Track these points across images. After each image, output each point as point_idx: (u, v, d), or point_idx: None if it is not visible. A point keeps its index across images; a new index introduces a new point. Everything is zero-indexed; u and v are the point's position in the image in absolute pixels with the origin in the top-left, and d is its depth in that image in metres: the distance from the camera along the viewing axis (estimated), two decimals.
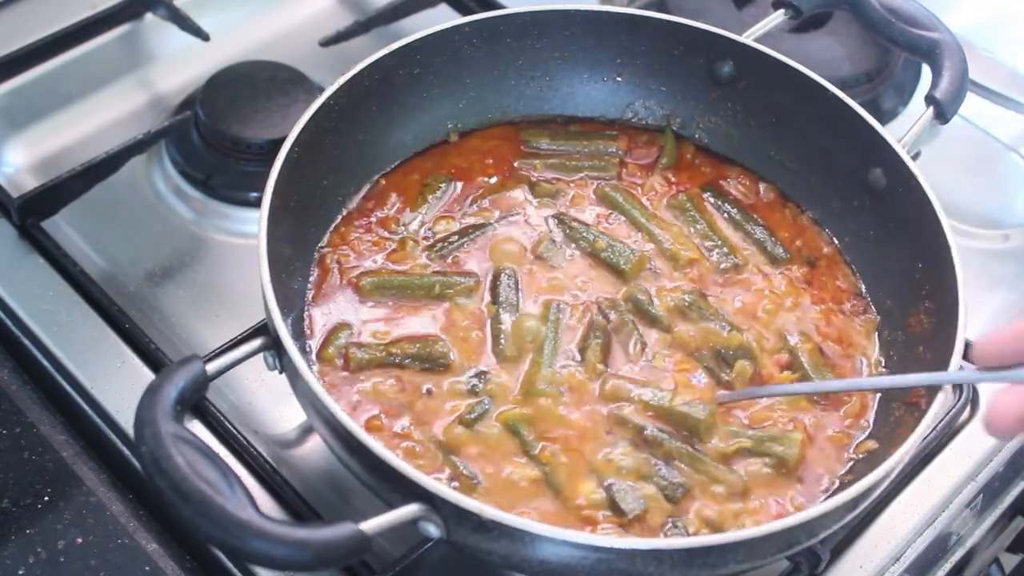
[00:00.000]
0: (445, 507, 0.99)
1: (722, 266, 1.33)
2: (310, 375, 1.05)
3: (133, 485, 1.22)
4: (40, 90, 1.56)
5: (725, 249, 1.34)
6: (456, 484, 1.12)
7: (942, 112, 1.33)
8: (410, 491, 0.99)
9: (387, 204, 1.34)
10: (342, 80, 1.27)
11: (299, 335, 1.20)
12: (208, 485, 0.91)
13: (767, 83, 1.38)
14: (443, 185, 1.37)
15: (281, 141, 1.20)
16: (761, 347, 1.26)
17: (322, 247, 1.29)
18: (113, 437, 1.26)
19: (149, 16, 1.63)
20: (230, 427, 1.25)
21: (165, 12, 1.62)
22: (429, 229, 1.33)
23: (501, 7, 1.51)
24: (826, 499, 1.11)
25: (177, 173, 1.49)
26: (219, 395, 1.28)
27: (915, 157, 1.30)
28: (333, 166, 1.30)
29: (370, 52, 1.31)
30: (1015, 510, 1.35)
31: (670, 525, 1.12)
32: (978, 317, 1.43)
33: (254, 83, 1.53)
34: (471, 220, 1.34)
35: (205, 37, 1.61)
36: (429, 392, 1.19)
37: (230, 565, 1.17)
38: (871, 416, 1.22)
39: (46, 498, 1.18)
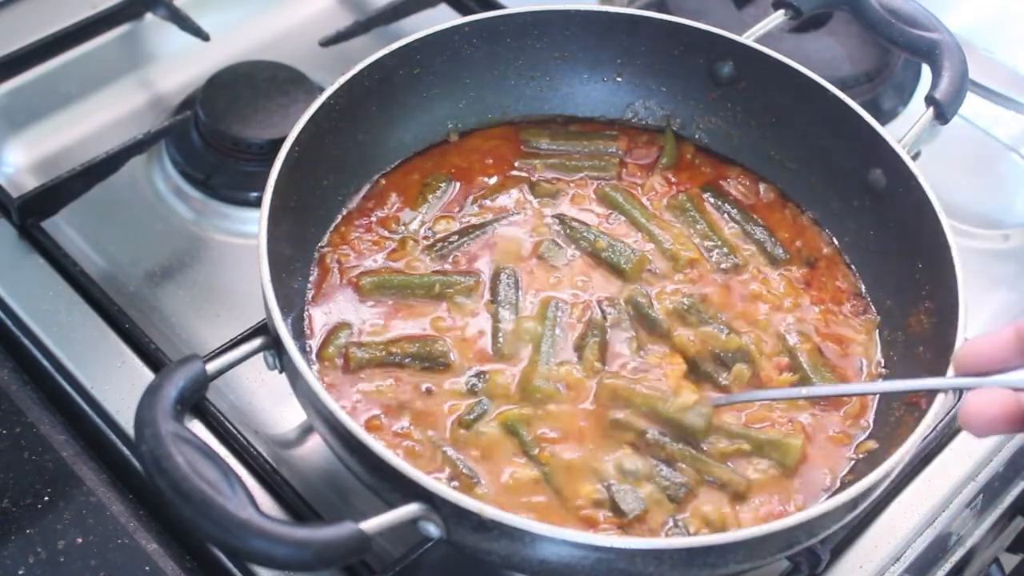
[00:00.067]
0: (445, 507, 0.99)
1: (722, 266, 1.33)
2: (310, 374, 1.05)
3: (133, 485, 1.22)
4: (40, 90, 1.56)
5: (725, 249, 1.34)
6: (456, 484, 1.12)
7: (942, 113, 1.33)
8: (410, 491, 0.99)
9: (387, 204, 1.34)
10: (342, 80, 1.27)
11: (299, 335, 1.20)
12: (208, 485, 0.91)
13: (767, 83, 1.38)
14: (443, 185, 1.37)
15: (281, 141, 1.20)
16: (760, 350, 1.26)
17: (322, 247, 1.29)
18: (113, 437, 1.26)
19: (149, 16, 1.63)
20: (230, 427, 1.25)
21: (165, 12, 1.62)
22: (429, 229, 1.33)
23: (501, 7, 1.51)
24: (826, 499, 1.11)
25: (177, 173, 1.49)
26: (219, 395, 1.28)
27: (915, 157, 1.30)
28: (333, 166, 1.30)
29: (370, 52, 1.31)
30: (1015, 510, 1.35)
31: (671, 524, 1.12)
32: (978, 317, 1.43)
33: (254, 83, 1.53)
34: (471, 220, 1.34)
35: (205, 37, 1.61)
36: (429, 391, 1.19)
37: (230, 565, 1.17)
38: (871, 416, 1.22)
39: (46, 498, 1.18)
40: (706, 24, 1.38)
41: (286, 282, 1.19)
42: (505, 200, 1.36)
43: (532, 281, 1.29)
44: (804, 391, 1.23)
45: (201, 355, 1.04)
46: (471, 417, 1.17)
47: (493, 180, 1.39)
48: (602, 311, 1.26)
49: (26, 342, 1.32)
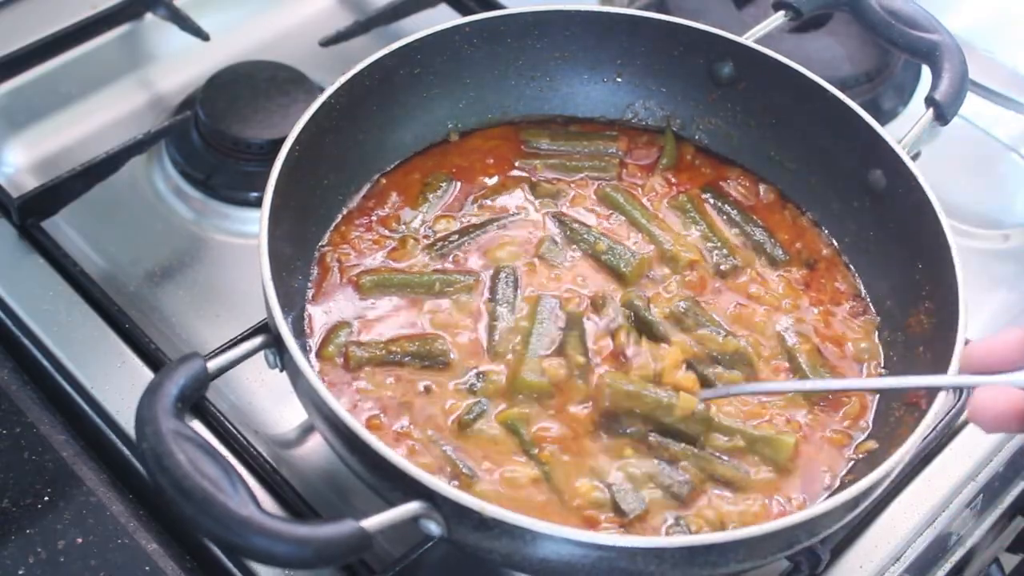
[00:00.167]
0: (446, 505, 0.98)
1: (722, 267, 1.33)
2: (311, 372, 1.05)
3: (133, 485, 1.22)
4: (40, 90, 1.56)
5: (725, 251, 1.34)
6: (456, 483, 1.12)
7: (942, 114, 1.33)
8: (411, 489, 0.99)
9: (388, 203, 1.34)
10: (342, 80, 1.27)
11: (299, 334, 1.20)
12: (210, 482, 0.91)
13: (767, 84, 1.38)
14: (444, 184, 1.37)
15: (281, 141, 1.20)
16: (758, 353, 1.26)
17: (322, 246, 1.29)
18: (113, 437, 1.25)
19: (149, 16, 1.63)
20: (230, 427, 1.25)
21: (165, 12, 1.62)
22: (430, 228, 1.33)
23: (501, 7, 1.51)
24: (826, 499, 1.11)
25: (177, 173, 1.49)
26: (219, 395, 1.28)
27: (915, 158, 1.30)
28: (333, 165, 1.30)
29: (370, 52, 1.31)
30: (1015, 510, 1.35)
31: (672, 523, 1.12)
32: (978, 317, 1.43)
33: (254, 83, 1.53)
34: (472, 219, 1.34)
35: (205, 37, 1.61)
36: (428, 390, 1.19)
37: (230, 565, 1.17)
38: (870, 417, 1.22)
39: (46, 498, 1.18)
40: (706, 24, 1.39)
41: (286, 281, 1.19)
42: (505, 200, 1.36)
43: (531, 281, 1.29)
44: (792, 385, 1.23)
45: (202, 354, 1.04)
46: (471, 416, 1.17)
47: (494, 180, 1.39)
48: (596, 307, 1.26)
49: (26, 342, 1.32)
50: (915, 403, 1.16)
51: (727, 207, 1.39)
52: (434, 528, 1.00)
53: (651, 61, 1.42)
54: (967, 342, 1.15)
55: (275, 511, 1.19)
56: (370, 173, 1.36)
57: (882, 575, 1.23)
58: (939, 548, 1.28)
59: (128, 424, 1.23)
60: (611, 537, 1.01)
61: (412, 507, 0.99)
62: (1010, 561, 1.46)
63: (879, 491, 1.10)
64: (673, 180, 1.41)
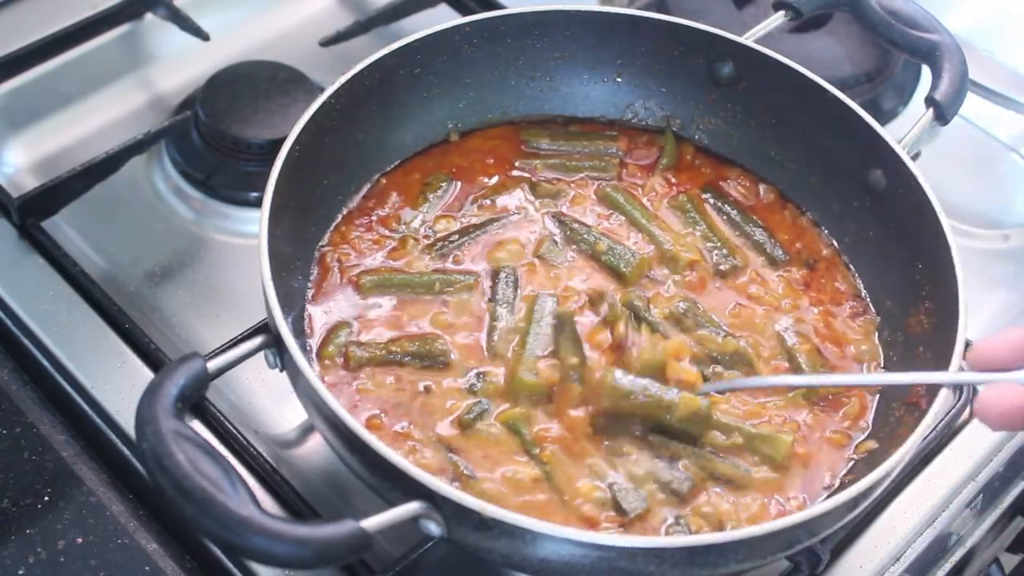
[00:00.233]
0: (446, 505, 0.98)
1: (721, 268, 1.33)
2: (311, 372, 1.05)
3: (133, 485, 1.22)
4: (40, 90, 1.56)
5: (725, 251, 1.34)
6: (456, 483, 1.12)
7: (942, 114, 1.33)
8: (411, 489, 0.99)
9: (388, 203, 1.34)
10: (342, 80, 1.27)
11: (299, 334, 1.20)
12: (209, 482, 0.91)
13: (767, 84, 1.38)
14: (444, 184, 1.37)
15: (281, 141, 1.20)
16: (758, 353, 1.26)
17: (322, 246, 1.29)
18: (113, 437, 1.26)
19: (149, 16, 1.63)
20: (230, 427, 1.25)
21: (165, 12, 1.62)
22: (430, 228, 1.33)
23: (501, 7, 1.51)
24: (826, 499, 1.11)
25: (177, 173, 1.49)
26: (219, 395, 1.28)
27: (915, 158, 1.30)
28: (333, 165, 1.30)
29: (370, 52, 1.31)
30: (1015, 510, 1.35)
31: (672, 522, 1.12)
32: (978, 317, 1.43)
33: (254, 83, 1.53)
34: (472, 219, 1.34)
35: (205, 37, 1.61)
36: (428, 390, 1.19)
37: (230, 565, 1.17)
38: (870, 417, 1.22)
39: (46, 498, 1.18)
40: (706, 24, 1.39)
41: (286, 281, 1.19)
42: (506, 200, 1.36)
43: (531, 281, 1.29)
44: (790, 379, 1.23)
45: (202, 354, 1.04)
46: (471, 416, 1.17)
47: (494, 180, 1.39)
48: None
49: (26, 342, 1.32)
50: (915, 403, 1.16)
51: (727, 207, 1.39)
52: (434, 528, 1.00)
53: (651, 61, 1.42)
54: (968, 342, 1.15)
55: (275, 511, 1.19)
56: (370, 173, 1.36)
57: (882, 575, 1.23)
58: (939, 548, 1.28)
59: (128, 424, 1.23)
60: (611, 537, 1.02)
61: (412, 507, 0.99)
62: (1010, 561, 1.46)
63: (879, 491, 1.10)
64: (673, 180, 1.41)
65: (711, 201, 1.40)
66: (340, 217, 1.32)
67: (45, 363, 1.30)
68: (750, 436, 1.18)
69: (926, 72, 1.39)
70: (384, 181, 1.36)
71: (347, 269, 1.27)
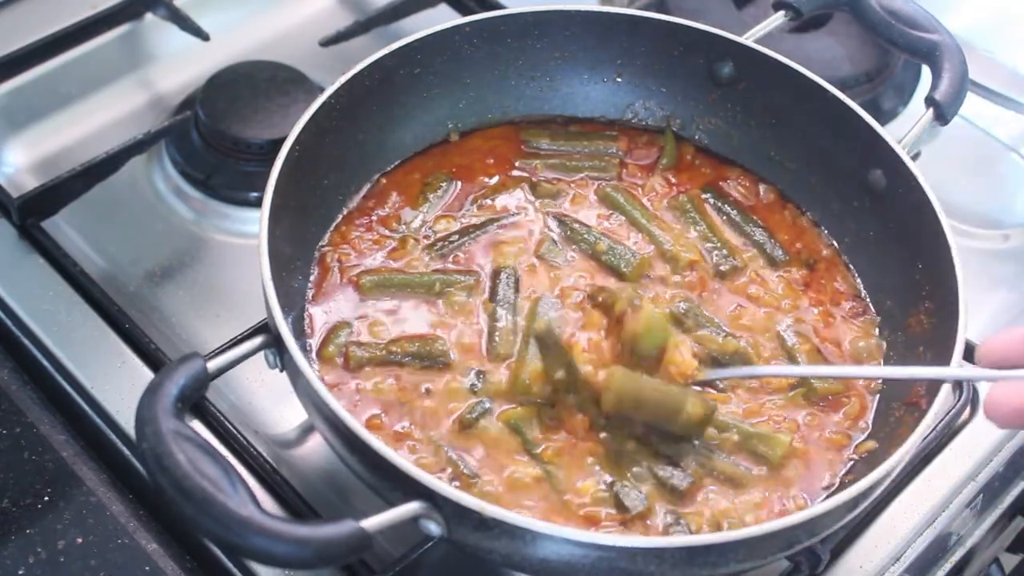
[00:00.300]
0: (446, 505, 0.98)
1: (721, 268, 1.33)
2: (311, 373, 1.05)
3: (133, 485, 1.22)
4: (40, 90, 1.56)
5: (725, 251, 1.34)
6: (457, 483, 1.12)
7: (942, 114, 1.33)
8: (411, 489, 0.99)
9: (388, 203, 1.34)
10: (342, 80, 1.27)
11: (299, 334, 1.20)
12: (209, 482, 0.91)
13: (767, 84, 1.38)
14: (444, 184, 1.37)
15: (281, 141, 1.20)
16: (758, 353, 1.26)
17: (322, 246, 1.29)
18: (113, 437, 1.25)
19: (149, 16, 1.63)
20: (230, 427, 1.25)
21: (165, 12, 1.62)
22: (430, 228, 1.33)
23: (501, 7, 1.51)
24: (826, 499, 1.11)
25: (177, 173, 1.49)
26: (219, 395, 1.28)
27: (915, 157, 1.30)
28: (333, 165, 1.30)
29: (370, 52, 1.31)
30: (1015, 510, 1.35)
31: (672, 522, 1.12)
32: (978, 317, 1.43)
33: (254, 83, 1.53)
34: (472, 219, 1.34)
35: (205, 37, 1.61)
36: (428, 391, 1.19)
37: (230, 565, 1.17)
38: (870, 417, 1.23)
39: (46, 498, 1.18)
40: (706, 24, 1.39)
41: (286, 281, 1.19)
42: (506, 200, 1.36)
43: (532, 281, 1.29)
44: (801, 369, 1.24)
45: (202, 354, 1.04)
46: (472, 416, 1.17)
47: (494, 180, 1.39)
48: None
49: (26, 342, 1.32)
50: (915, 403, 1.16)
51: (727, 207, 1.39)
52: (434, 528, 1.00)
53: (651, 61, 1.42)
54: (968, 342, 1.15)
55: (275, 511, 1.19)
56: (370, 173, 1.36)
57: (882, 575, 1.23)
58: (939, 548, 1.28)
59: (128, 424, 1.23)
60: (611, 537, 1.01)
61: (412, 507, 0.99)
62: (1010, 561, 1.46)
63: (879, 491, 1.10)
64: (673, 180, 1.41)
65: (711, 201, 1.40)
66: (340, 217, 1.32)
67: (45, 363, 1.30)
68: (749, 435, 1.18)
69: (926, 72, 1.39)
70: (384, 181, 1.36)
71: (347, 269, 1.27)
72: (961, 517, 1.29)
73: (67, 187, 1.41)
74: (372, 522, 0.95)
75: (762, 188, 1.41)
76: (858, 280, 1.34)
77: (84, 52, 1.59)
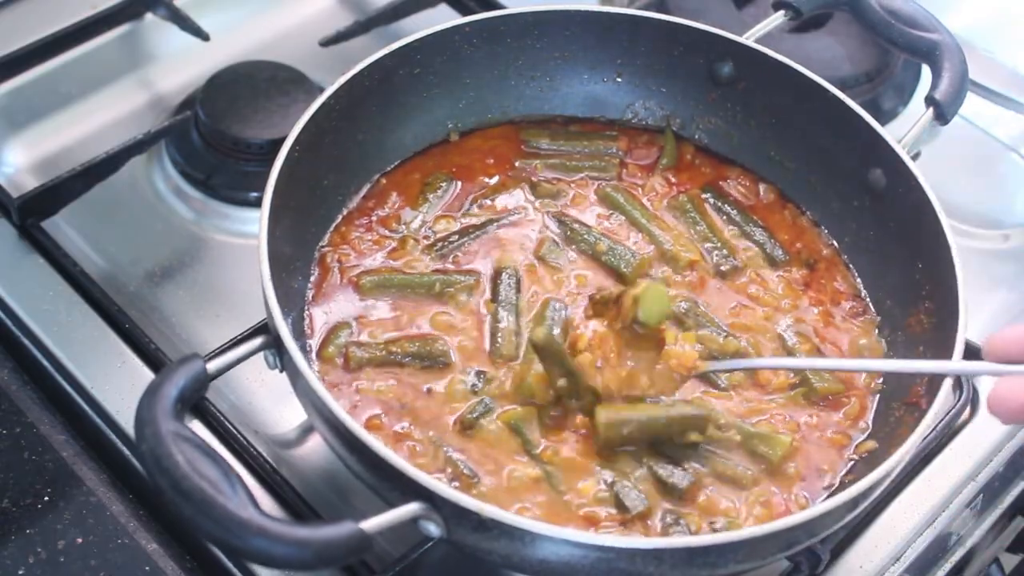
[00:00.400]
0: (445, 506, 0.99)
1: (722, 268, 1.33)
2: (311, 373, 1.05)
3: (133, 485, 1.22)
4: (40, 90, 1.56)
5: (725, 251, 1.34)
6: (456, 484, 1.12)
7: (942, 113, 1.33)
8: (410, 490, 0.99)
9: (388, 203, 1.34)
10: (342, 80, 1.27)
11: (299, 334, 1.20)
12: (209, 483, 0.91)
13: (767, 83, 1.38)
14: (444, 184, 1.37)
15: (281, 141, 1.20)
16: (758, 353, 1.26)
17: (322, 246, 1.29)
18: (113, 437, 1.26)
19: (149, 16, 1.63)
20: (230, 427, 1.25)
21: (165, 12, 1.62)
22: (430, 228, 1.33)
23: (501, 7, 1.51)
24: (826, 499, 1.11)
25: (177, 173, 1.49)
26: (219, 395, 1.28)
27: (915, 157, 1.30)
28: (333, 166, 1.30)
29: (370, 52, 1.31)
30: (1015, 510, 1.35)
31: (672, 522, 1.12)
32: (978, 317, 1.43)
33: (254, 83, 1.53)
34: (472, 219, 1.34)
35: (205, 37, 1.61)
36: (429, 391, 1.19)
37: (230, 565, 1.17)
38: (870, 417, 1.23)
39: (46, 498, 1.18)
40: (706, 24, 1.39)
41: (286, 281, 1.19)
42: (506, 200, 1.37)
43: (532, 281, 1.29)
44: (803, 362, 1.24)
45: (201, 355, 1.04)
46: (473, 416, 1.17)
47: (494, 180, 1.39)
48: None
49: (26, 342, 1.32)
50: (915, 403, 1.16)
51: (727, 207, 1.39)
52: (433, 529, 1.00)
53: (651, 61, 1.42)
54: (968, 342, 1.15)
55: (275, 512, 1.19)
56: (370, 173, 1.36)
57: (882, 575, 1.23)
58: (939, 548, 1.28)
59: (128, 424, 1.23)
60: (610, 538, 1.02)
61: (411, 508, 0.99)
62: (1010, 561, 1.46)
63: (879, 491, 1.10)
64: (673, 180, 1.41)
65: (711, 201, 1.40)
66: (340, 217, 1.32)
67: (45, 363, 1.30)
68: (749, 435, 1.18)
69: (926, 72, 1.39)
70: (384, 181, 1.36)
71: (347, 269, 1.27)
72: (961, 517, 1.29)
73: (67, 187, 1.41)
74: (372, 523, 0.95)
75: (762, 188, 1.41)
76: (858, 280, 1.34)
77: (84, 52, 1.59)
